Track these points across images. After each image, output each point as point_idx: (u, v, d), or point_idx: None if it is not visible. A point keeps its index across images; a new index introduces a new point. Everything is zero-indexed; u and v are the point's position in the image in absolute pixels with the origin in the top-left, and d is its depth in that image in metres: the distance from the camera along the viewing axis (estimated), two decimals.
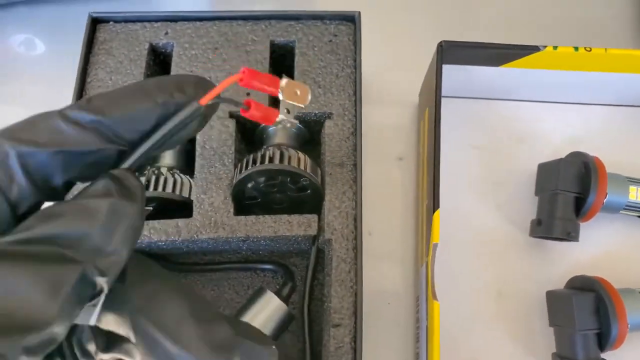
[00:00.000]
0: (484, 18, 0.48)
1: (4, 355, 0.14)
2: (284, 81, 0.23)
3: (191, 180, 0.37)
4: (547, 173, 0.39)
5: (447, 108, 0.40)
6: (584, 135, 0.41)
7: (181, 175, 0.36)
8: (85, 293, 0.17)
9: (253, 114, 0.22)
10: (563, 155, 0.40)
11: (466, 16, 0.48)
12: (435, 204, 0.33)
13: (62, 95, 0.47)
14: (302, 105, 0.23)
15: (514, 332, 0.38)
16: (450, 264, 0.39)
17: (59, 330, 0.16)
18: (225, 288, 0.40)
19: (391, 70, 0.46)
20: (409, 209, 0.42)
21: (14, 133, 0.17)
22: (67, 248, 0.16)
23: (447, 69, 0.36)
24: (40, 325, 0.15)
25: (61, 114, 0.18)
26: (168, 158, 0.39)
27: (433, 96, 0.35)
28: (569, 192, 0.37)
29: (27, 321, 0.15)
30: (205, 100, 0.19)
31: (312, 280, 0.37)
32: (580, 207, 0.37)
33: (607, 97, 0.41)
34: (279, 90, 0.23)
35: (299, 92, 0.23)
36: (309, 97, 0.23)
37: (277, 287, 0.38)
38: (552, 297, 0.37)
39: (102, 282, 0.17)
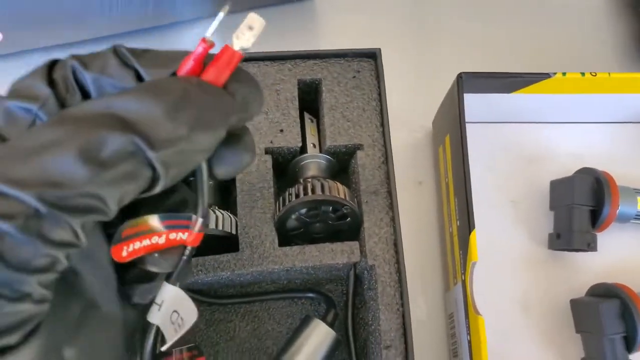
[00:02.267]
0: (490, 48, 0.52)
1: (31, 208, 0.13)
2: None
3: (231, 216, 0.38)
4: (561, 189, 0.41)
5: None
6: (589, 151, 0.45)
7: (221, 211, 0.38)
8: (135, 171, 0.15)
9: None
10: (571, 172, 0.43)
11: (468, 48, 0.52)
12: (470, 225, 0.35)
13: None
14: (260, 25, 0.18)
15: (543, 341, 0.40)
16: (476, 280, 0.41)
17: (96, 199, 0.14)
18: (266, 318, 0.41)
19: (403, 99, 0.48)
20: (433, 231, 0.44)
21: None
22: (126, 119, 0.15)
23: (454, 99, 0.39)
24: (69, 184, 0.14)
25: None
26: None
27: (456, 123, 0.38)
28: (584, 206, 0.40)
29: (56, 178, 0.14)
30: (222, 81, 0.18)
31: (353, 305, 0.38)
32: (596, 219, 0.40)
33: (610, 115, 0.44)
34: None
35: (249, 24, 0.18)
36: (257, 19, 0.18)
37: (316, 314, 0.39)
38: (577, 305, 0.40)
39: (158, 164, 0.15)
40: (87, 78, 0.18)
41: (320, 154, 0.39)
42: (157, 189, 0.16)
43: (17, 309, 0.13)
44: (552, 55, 0.51)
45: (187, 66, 0.18)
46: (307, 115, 0.42)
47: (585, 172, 0.41)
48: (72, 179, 0.14)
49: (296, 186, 0.36)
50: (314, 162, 0.39)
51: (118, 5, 0.45)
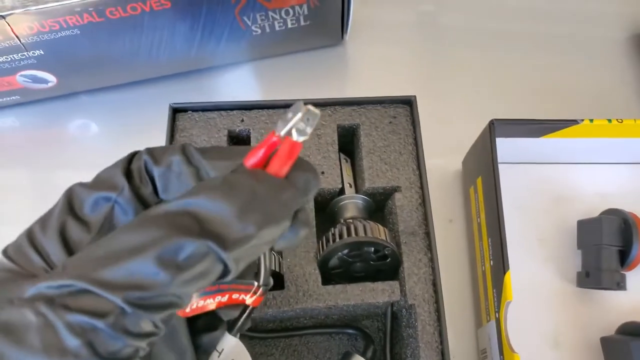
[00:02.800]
0: (518, 94, 0.54)
1: (111, 305, 0.15)
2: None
3: (275, 254, 0.40)
4: (589, 229, 0.43)
5: None
6: (615, 191, 0.46)
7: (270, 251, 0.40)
8: (209, 269, 0.17)
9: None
10: (597, 211, 0.45)
11: (496, 94, 0.54)
12: (505, 266, 0.37)
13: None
14: (300, 115, 0.19)
15: None
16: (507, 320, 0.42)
17: (174, 297, 0.16)
18: (305, 352, 0.42)
19: (433, 141, 0.50)
20: (464, 268, 0.46)
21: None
22: (200, 220, 0.17)
23: (486, 144, 0.41)
24: (150, 287, 0.16)
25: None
26: None
27: (489, 167, 0.40)
28: (613, 246, 0.41)
29: (138, 282, 0.15)
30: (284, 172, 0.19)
31: (391, 342, 0.40)
32: (624, 259, 0.41)
33: (635, 157, 0.46)
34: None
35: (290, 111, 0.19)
36: (302, 106, 0.19)
37: (354, 349, 0.41)
38: (608, 343, 0.41)
39: (229, 262, 0.17)
40: (155, 172, 0.20)
41: (358, 195, 0.41)
42: (228, 279, 0.18)
43: None
44: (578, 99, 0.53)
45: (254, 158, 0.19)
46: (342, 156, 0.45)
47: (611, 212, 0.43)
48: (153, 283, 0.16)
49: (338, 227, 0.38)
50: (352, 202, 0.41)
51: (164, 52, 0.48)
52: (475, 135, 0.44)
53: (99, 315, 0.15)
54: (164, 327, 0.17)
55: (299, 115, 0.19)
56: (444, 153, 0.50)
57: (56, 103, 0.54)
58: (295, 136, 0.19)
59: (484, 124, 0.41)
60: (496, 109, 0.45)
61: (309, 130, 0.19)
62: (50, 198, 0.20)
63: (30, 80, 0.48)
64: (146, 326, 0.16)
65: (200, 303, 0.24)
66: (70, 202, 0.19)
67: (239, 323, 0.27)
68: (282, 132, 0.19)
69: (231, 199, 0.17)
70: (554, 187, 0.47)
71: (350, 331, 0.41)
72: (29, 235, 0.18)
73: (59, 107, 0.55)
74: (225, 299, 0.25)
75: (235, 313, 0.27)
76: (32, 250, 0.18)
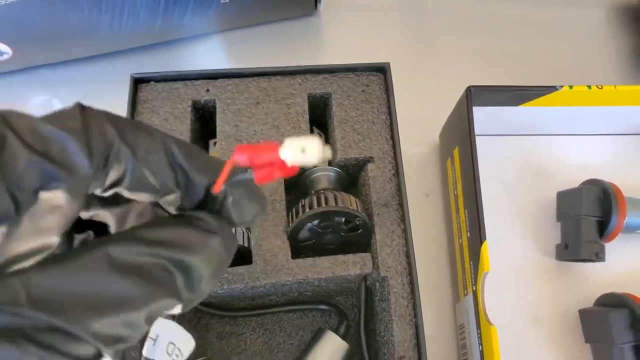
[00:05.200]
0: (495, 64, 0.52)
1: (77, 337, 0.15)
2: (286, 143, 0.19)
3: (243, 229, 0.38)
4: (568, 200, 0.42)
5: None
6: (595, 163, 0.45)
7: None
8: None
9: (261, 174, 0.19)
10: (577, 183, 0.43)
11: (471, 63, 0.53)
12: (482, 237, 0.35)
13: None
14: (315, 162, 0.19)
15: (552, 351, 0.41)
16: (485, 291, 0.41)
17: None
18: (277, 331, 0.41)
19: (409, 114, 0.49)
20: (441, 243, 0.45)
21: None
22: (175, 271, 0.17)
23: (462, 112, 0.39)
24: (132, 339, 0.16)
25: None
26: None
27: (465, 136, 0.38)
28: (592, 217, 0.40)
29: (124, 335, 0.16)
30: (217, 187, 0.19)
31: (366, 317, 0.38)
32: (603, 229, 0.40)
33: (615, 127, 0.45)
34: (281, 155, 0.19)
35: (306, 148, 0.18)
36: (320, 150, 0.18)
37: (327, 326, 0.39)
38: (587, 315, 0.40)
39: (176, 310, 0.18)
40: (130, 162, 0.17)
41: (331, 167, 0.40)
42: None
43: None
44: (557, 69, 0.51)
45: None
46: (315, 130, 0.43)
47: (591, 183, 0.42)
48: (137, 336, 0.16)
49: (308, 198, 0.36)
50: (324, 174, 0.40)
51: (126, 23, 0.46)
52: (452, 108, 0.42)
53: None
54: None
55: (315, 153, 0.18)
56: (421, 128, 0.48)
57: (15, 77, 0.52)
58: (282, 154, 0.18)
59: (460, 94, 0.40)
60: (474, 81, 0.44)
61: (297, 159, 0.18)
62: None
63: None
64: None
65: None
66: None
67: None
68: (289, 161, 0.18)
69: (209, 264, 0.18)
70: (533, 160, 0.46)
71: (323, 307, 0.40)
72: None
73: (17, 81, 0.52)
74: None
75: None
76: None
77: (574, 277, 0.43)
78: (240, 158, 0.19)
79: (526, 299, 0.42)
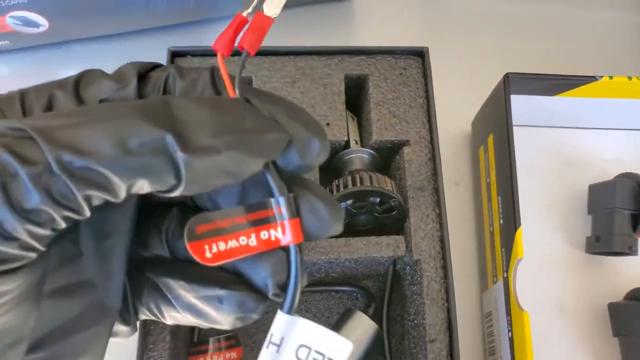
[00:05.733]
0: (531, 55, 0.52)
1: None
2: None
3: None
4: (601, 193, 0.42)
5: None
6: (629, 158, 0.45)
7: None
8: (157, 167, 0.15)
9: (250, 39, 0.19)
10: (610, 177, 0.43)
11: (507, 52, 0.52)
12: (516, 223, 0.35)
13: None
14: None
15: (579, 344, 0.40)
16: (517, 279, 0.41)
17: (107, 180, 0.15)
18: (303, 312, 0.41)
19: (440, 101, 0.48)
20: (470, 232, 0.45)
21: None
22: (172, 116, 0.16)
23: (500, 100, 0.39)
24: (87, 154, 0.14)
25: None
26: None
27: (502, 123, 0.38)
28: (626, 210, 0.40)
29: (79, 145, 0.15)
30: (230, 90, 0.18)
31: (389, 301, 0.38)
32: (637, 223, 0.40)
33: None
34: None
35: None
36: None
37: (355, 308, 0.39)
38: (616, 309, 0.40)
39: (183, 168, 0.15)
40: (178, 86, 0.18)
41: (365, 149, 0.40)
42: (175, 193, 0.16)
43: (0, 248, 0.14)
44: (594, 62, 0.51)
45: (223, 40, 0.19)
46: (348, 113, 0.43)
47: (626, 176, 0.41)
48: (93, 152, 0.14)
49: (343, 178, 0.36)
50: (358, 156, 0.40)
51: None
52: (486, 96, 0.42)
53: (25, 161, 0.14)
54: (87, 212, 0.15)
55: None
56: (452, 116, 0.48)
57: (48, 51, 0.52)
58: (266, 10, 0.19)
59: (494, 84, 0.40)
60: (508, 71, 0.43)
61: (281, 4, 0.19)
62: None
63: (20, 23, 0.46)
64: (67, 199, 0.14)
65: (220, 245, 0.17)
66: (77, 80, 0.18)
67: (290, 286, 0.18)
68: (250, 7, 0.19)
69: (215, 112, 0.16)
70: (566, 152, 0.46)
71: (350, 289, 0.40)
72: (23, 91, 0.18)
73: (51, 55, 0.52)
74: (254, 241, 0.17)
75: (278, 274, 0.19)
76: (18, 101, 0.17)
77: (603, 271, 0.42)
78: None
79: (554, 290, 0.42)
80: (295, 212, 0.17)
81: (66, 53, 0.52)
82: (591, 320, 0.41)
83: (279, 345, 0.17)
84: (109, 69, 0.20)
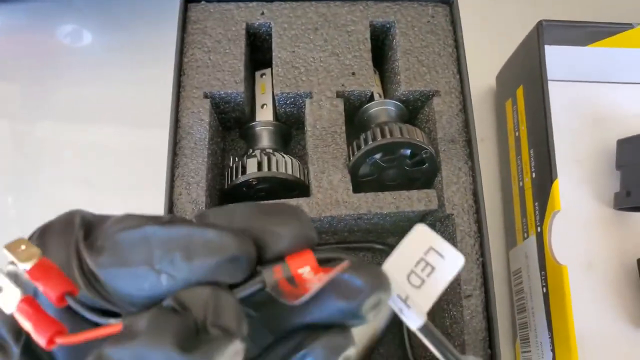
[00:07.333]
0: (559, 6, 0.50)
1: None
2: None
3: (298, 162, 0.36)
4: (631, 147, 0.40)
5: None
6: None
7: (290, 156, 0.36)
8: None
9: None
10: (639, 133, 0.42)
11: (530, 7, 0.50)
12: (553, 175, 0.34)
13: (107, 89, 0.46)
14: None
15: (607, 300, 0.40)
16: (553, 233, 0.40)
17: None
18: None
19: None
20: (494, 190, 0.43)
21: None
22: None
23: (532, 49, 0.37)
24: None
25: None
26: (266, 140, 0.38)
27: (535, 71, 0.36)
28: None
29: None
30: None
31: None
32: None
33: None
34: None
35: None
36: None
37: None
38: None
39: None
40: None
41: (391, 101, 0.38)
42: None
43: None
44: (630, 9, 0.49)
45: None
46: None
47: None
48: None
49: (371, 130, 0.34)
50: (384, 109, 0.38)
51: None
52: (510, 51, 0.40)
53: None
54: None
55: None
56: (475, 70, 0.46)
57: (44, 2, 0.49)
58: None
59: (518, 39, 0.38)
60: (532, 24, 0.41)
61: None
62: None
63: None
64: None
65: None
66: None
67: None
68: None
69: None
70: (594, 107, 0.44)
71: (377, 246, 0.38)
72: None
73: (47, 6, 0.49)
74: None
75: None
76: None
77: (632, 227, 0.41)
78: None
79: (582, 247, 0.41)
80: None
81: (64, 4, 0.49)
82: (620, 276, 0.40)
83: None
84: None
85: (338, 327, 0.16)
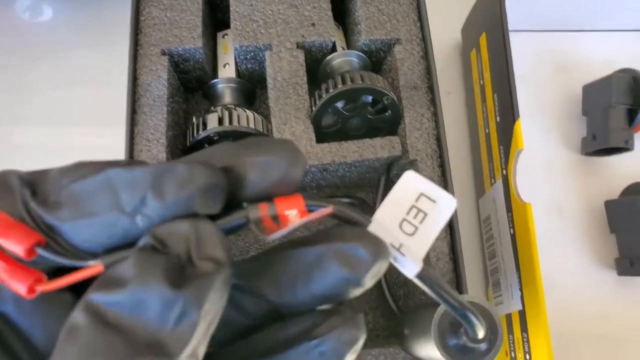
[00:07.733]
0: None
1: None
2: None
3: (260, 116, 0.36)
4: (597, 91, 0.40)
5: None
6: (623, 59, 0.43)
7: (252, 111, 0.36)
8: None
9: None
10: None
11: None
12: (515, 115, 0.34)
13: (69, 68, 0.45)
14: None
15: (577, 243, 0.40)
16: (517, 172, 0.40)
17: None
18: None
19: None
20: (462, 142, 0.43)
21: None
22: None
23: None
24: None
25: None
26: (229, 97, 0.38)
27: (495, 14, 0.36)
28: (622, 105, 0.39)
29: None
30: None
31: None
32: (633, 118, 0.39)
33: None
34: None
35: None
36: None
37: None
38: (612, 206, 0.39)
39: None
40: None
41: (352, 51, 0.37)
42: None
43: None
44: None
45: None
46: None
47: (623, 71, 0.40)
48: None
49: (332, 79, 0.34)
50: (346, 60, 0.37)
51: None
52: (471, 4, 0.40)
53: None
54: None
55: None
56: (439, 25, 0.45)
57: None
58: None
59: None
60: None
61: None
62: None
63: None
64: None
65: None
66: None
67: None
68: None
69: None
70: (558, 56, 0.44)
71: (346, 200, 0.38)
72: None
73: None
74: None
75: None
76: None
77: (599, 171, 0.42)
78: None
79: (551, 192, 0.41)
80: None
81: None
82: (589, 219, 0.41)
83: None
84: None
85: (350, 314, 0.16)
